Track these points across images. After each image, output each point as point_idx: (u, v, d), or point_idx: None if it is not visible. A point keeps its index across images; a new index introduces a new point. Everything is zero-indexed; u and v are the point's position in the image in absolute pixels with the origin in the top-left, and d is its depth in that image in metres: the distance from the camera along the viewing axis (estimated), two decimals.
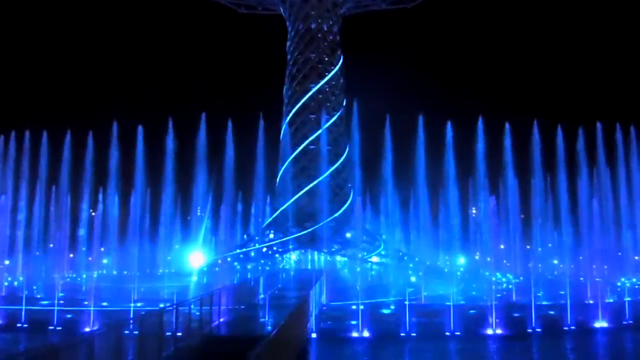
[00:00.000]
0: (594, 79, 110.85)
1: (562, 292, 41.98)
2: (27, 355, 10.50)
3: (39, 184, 56.01)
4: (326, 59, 64.88)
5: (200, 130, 55.28)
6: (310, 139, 61.83)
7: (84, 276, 56.52)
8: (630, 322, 39.00)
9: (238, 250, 60.42)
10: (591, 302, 40.85)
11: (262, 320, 25.10)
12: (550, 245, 61.70)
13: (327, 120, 62.46)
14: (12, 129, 57.14)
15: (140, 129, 53.75)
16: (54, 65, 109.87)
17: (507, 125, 52.18)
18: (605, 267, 53.54)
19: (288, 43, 65.98)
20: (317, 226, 56.58)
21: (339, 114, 63.74)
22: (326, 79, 63.21)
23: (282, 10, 67.27)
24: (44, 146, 56.35)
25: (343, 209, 60.79)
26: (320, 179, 59.45)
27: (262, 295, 31.15)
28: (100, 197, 54.15)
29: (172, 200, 58.70)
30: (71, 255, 58.32)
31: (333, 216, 58.58)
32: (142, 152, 53.52)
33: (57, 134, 55.47)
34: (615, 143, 56.37)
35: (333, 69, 64.60)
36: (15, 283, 51.51)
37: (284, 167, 62.60)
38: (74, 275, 57.87)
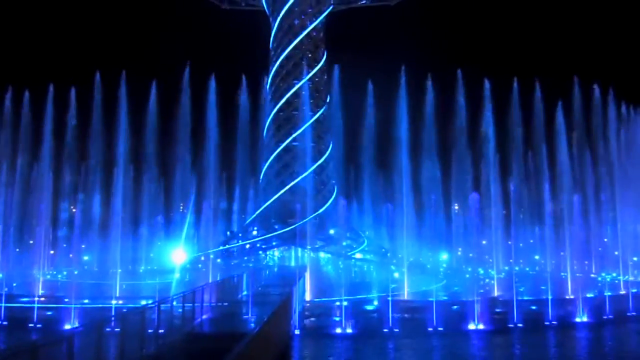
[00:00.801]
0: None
1: (544, 288, 42.47)
2: (6, 353, 10.31)
3: (19, 179, 55.20)
4: (310, 55, 64.76)
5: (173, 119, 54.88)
6: (294, 135, 61.71)
7: (65, 273, 55.89)
8: (611, 316, 39.58)
9: (221, 247, 60.15)
10: (572, 297, 41.37)
11: (245, 317, 24.98)
12: (531, 241, 62.42)
13: (311, 117, 62.40)
14: None
15: (122, 123, 53.13)
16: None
17: (491, 124, 52.50)
18: (586, 262, 54.27)
19: (271, 39, 65.73)
20: (300, 223, 56.52)
21: (322, 110, 63.72)
22: (310, 75, 63.10)
23: (265, 7, 66.98)
24: (23, 143, 55.58)
25: (326, 205, 60.82)
26: (304, 175, 59.40)
27: (245, 292, 31.03)
28: (81, 194, 53.56)
29: (154, 196, 58.24)
30: (52, 252, 57.62)
31: (316, 213, 58.55)
32: (124, 149, 52.93)
33: (36, 127, 54.68)
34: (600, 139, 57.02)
35: (317, 65, 64.51)
36: None
37: (267, 163, 62.46)
38: (55, 272, 57.20)
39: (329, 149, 63.18)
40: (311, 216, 56.59)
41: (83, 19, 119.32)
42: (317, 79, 64.69)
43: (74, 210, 54.70)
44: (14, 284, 47.99)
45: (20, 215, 56.28)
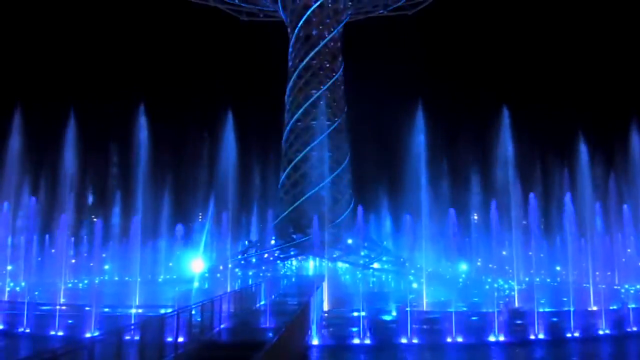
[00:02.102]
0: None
1: (565, 299, 41.81)
2: None
3: (41, 191, 56.00)
4: (327, 65, 65.03)
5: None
6: (312, 145, 61.88)
7: (86, 282, 56.51)
8: (634, 329, 38.78)
9: (239, 257, 60.37)
10: (595, 308, 40.65)
11: (263, 326, 24.99)
12: (552, 251, 61.61)
13: (329, 127, 62.57)
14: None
15: (142, 136, 53.73)
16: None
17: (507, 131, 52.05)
18: (609, 273, 53.39)
19: (289, 50, 66.16)
20: (318, 233, 56.50)
21: (339, 119, 63.85)
22: (328, 84, 63.31)
23: (283, 17, 67.49)
24: (45, 153, 56.42)
25: (344, 215, 60.76)
26: (322, 184, 59.45)
27: (263, 302, 31.07)
28: (103, 203, 54.21)
29: (173, 206, 58.71)
30: (73, 261, 58.30)
31: (334, 222, 58.52)
32: (145, 160, 53.48)
33: (57, 142, 55.59)
34: (622, 149, 56.24)
35: (334, 75, 64.75)
36: (18, 289, 51.45)
37: (286, 173, 62.66)
38: (76, 281, 57.83)
39: (347, 158, 63.22)
40: (329, 226, 56.40)
41: (106, 32, 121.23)
42: (334, 89, 64.91)
43: (95, 219, 55.33)
44: (36, 293, 48.63)
45: (42, 224, 57.07)
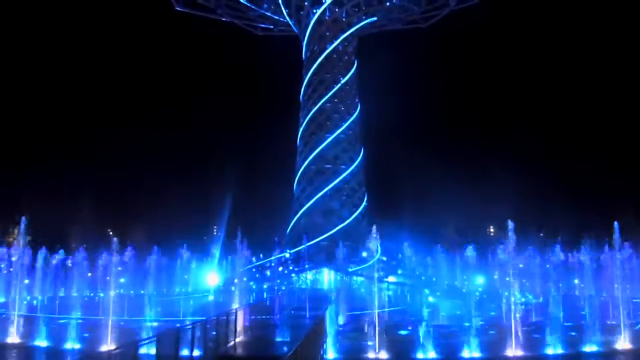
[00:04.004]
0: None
1: (584, 313, 41.15)
2: None
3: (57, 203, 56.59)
4: (342, 78, 65.28)
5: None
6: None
7: (101, 295, 56.76)
8: None
9: (253, 270, 60.33)
10: (614, 322, 39.98)
11: (278, 340, 24.91)
12: (570, 262, 60.76)
13: (343, 139, 62.73)
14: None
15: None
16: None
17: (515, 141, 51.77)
18: (628, 286, 52.43)
19: (304, 64, 66.60)
20: (333, 245, 56.36)
21: (352, 131, 63.94)
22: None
23: (297, 32, 67.98)
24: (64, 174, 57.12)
25: (359, 227, 60.57)
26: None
27: (277, 315, 30.99)
28: (117, 217, 54.57)
29: (189, 219, 59.01)
30: (89, 274, 58.64)
31: (350, 235, 58.26)
32: (161, 174, 53.96)
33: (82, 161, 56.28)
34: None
35: (349, 89, 65.02)
36: (35, 302, 51.86)
37: (300, 186, 62.73)
38: (92, 294, 58.13)
39: (361, 169, 63.22)
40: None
41: (120, 63, 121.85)
42: (349, 102, 65.14)
43: (110, 233, 55.74)
44: (53, 305, 48.97)
45: (58, 236, 57.66)
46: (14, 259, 49.37)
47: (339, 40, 64.49)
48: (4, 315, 40.97)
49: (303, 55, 66.78)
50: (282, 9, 65.77)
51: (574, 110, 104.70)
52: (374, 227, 45.29)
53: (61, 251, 57.73)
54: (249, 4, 67.56)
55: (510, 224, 42.43)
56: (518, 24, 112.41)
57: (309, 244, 57.99)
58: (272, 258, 63.17)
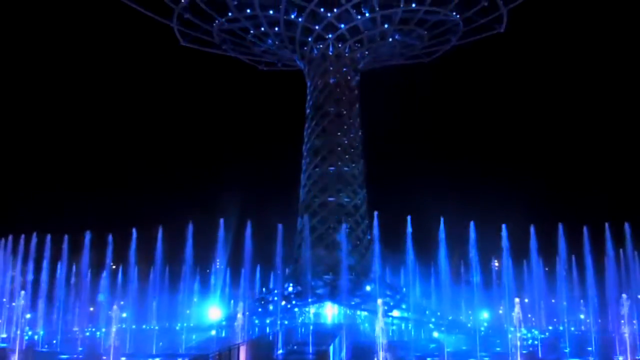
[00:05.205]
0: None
1: (590, 349, 40.63)
2: None
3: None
4: (345, 112, 65.85)
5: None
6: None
7: (103, 330, 56.27)
8: None
9: (256, 304, 59.81)
10: (620, 358, 39.41)
11: None
12: (575, 298, 60.11)
13: (346, 172, 63.00)
14: None
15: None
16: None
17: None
18: (635, 322, 51.74)
19: (307, 98, 67.30)
20: (336, 279, 56.00)
21: (357, 164, 64.19)
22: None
23: (301, 66, 68.88)
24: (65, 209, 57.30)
25: (363, 261, 60.24)
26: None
27: (280, 351, 30.68)
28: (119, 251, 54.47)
29: (191, 253, 58.81)
30: (91, 309, 58.29)
31: (353, 269, 57.91)
32: (162, 207, 54.09)
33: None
34: None
35: (352, 122, 65.53)
36: (36, 337, 51.47)
37: (303, 219, 62.64)
38: (94, 330, 57.64)
39: (364, 204, 63.17)
40: (347, 273, 55.72)
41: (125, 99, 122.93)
42: (352, 135, 65.57)
43: (113, 267, 55.57)
44: (54, 341, 48.58)
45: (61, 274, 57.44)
46: None
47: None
48: None
49: (307, 90, 67.58)
50: (287, 44, 66.91)
51: (577, 150, 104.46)
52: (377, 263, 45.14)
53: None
54: (254, 39, 68.65)
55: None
56: (523, 57, 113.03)
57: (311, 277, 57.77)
58: (275, 292, 62.68)
